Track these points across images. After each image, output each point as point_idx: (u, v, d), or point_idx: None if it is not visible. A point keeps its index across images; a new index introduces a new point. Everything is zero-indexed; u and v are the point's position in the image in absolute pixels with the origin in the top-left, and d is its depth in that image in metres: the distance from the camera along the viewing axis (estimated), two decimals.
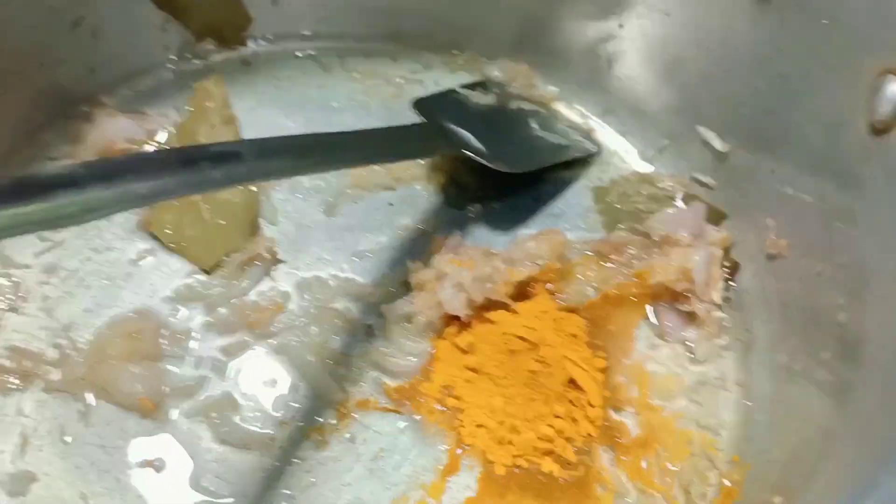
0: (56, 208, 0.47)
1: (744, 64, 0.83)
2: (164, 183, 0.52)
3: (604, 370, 0.78)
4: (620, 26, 0.94)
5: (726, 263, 0.86)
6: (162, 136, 0.86)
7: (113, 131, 0.86)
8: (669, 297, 0.82)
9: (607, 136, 0.99)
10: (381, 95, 0.99)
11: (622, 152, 0.98)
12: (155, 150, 0.83)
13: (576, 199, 0.92)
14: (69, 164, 0.49)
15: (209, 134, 0.86)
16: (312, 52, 1.02)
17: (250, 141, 0.63)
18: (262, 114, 0.95)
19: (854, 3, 0.68)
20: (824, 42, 0.73)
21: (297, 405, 0.73)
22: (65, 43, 0.88)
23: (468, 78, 1.03)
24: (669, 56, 0.92)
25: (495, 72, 1.03)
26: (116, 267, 0.79)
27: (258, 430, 0.71)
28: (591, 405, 0.75)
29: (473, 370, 0.74)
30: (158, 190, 0.52)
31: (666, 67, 0.93)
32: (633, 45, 0.95)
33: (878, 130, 0.66)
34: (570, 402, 0.74)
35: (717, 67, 0.87)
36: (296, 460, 0.70)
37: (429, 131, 0.84)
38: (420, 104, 0.89)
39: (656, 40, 0.92)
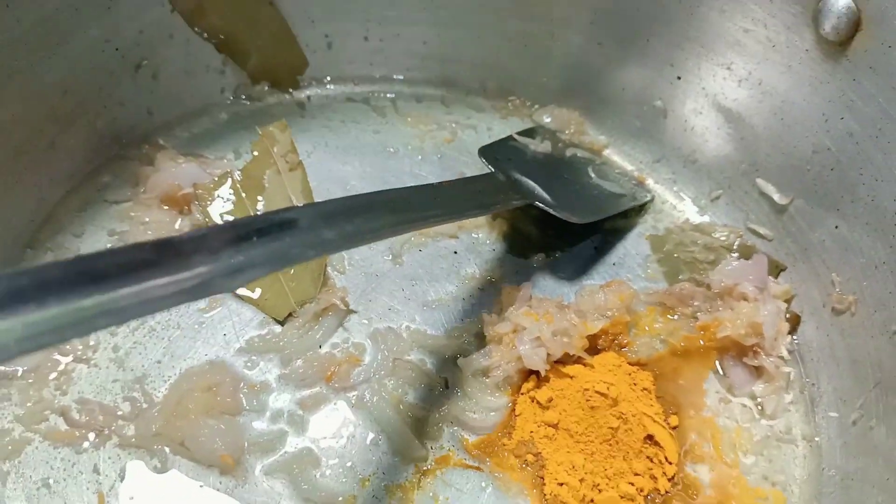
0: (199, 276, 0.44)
1: (808, 120, 0.85)
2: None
3: (677, 426, 0.78)
4: (678, 78, 0.95)
5: (787, 316, 0.86)
6: (227, 181, 0.85)
7: (177, 175, 0.84)
8: (736, 350, 0.82)
9: (658, 184, 1.00)
10: (436, 140, 1.00)
11: (674, 201, 0.98)
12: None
13: (634, 249, 0.93)
14: (199, 229, 0.46)
15: (275, 180, 0.85)
16: (365, 97, 1.02)
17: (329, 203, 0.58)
18: (318, 158, 0.95)
19: None
20: None
21: (377, 461, 0.72)
22: (126, 85, 0.88)
23: (520, 124, 1.03)
24: (728, 109, 0.93)
25: (546, 118, 1.04)
26: (186, 316, 0.78)
27: (340, 487, 0.70)
28: (669, 462, 0.74)
29: (553, 426, 0.74)
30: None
31: (724, 120, 0.94)
32: (690, 97, 0.96)
33: None
34: (649, 458, 0.74)
35: (779, 123, 0.88)
36: None
37: (498, 183, 0.84)
38: (486, 152, 0.89)
39: (716, 93, 0.93)
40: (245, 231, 0.48)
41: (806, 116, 0.85)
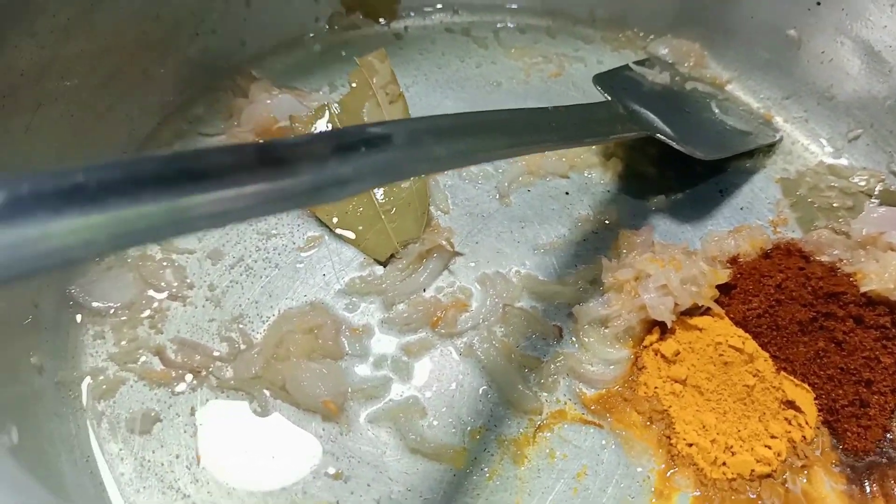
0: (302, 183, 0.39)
1: None
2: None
3: None
4: (818, 3, 0.85)
5: None
6: (324, 114, 0.80)
7: (272, 107, 0.79)
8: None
9: (788, 123, 0.91)
10: (542, 74, 0.92)
11: (807, 141, 0.89)
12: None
13: (763, 192, 0.84)
14: (306, 136, 0.41)
15: (375, 113, 0.79)
16: (465, 27, 0.95)
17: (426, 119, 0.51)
18: (417, 91, 0.89)
19: None
20: None
21: (488, 413, 0.66)
22: (219, 12, 0.83)
23: (632, 57, 0.95)
24: (876, 37, 0.82)
25: (662, 50, 0.95)
26: (284, 255, 0.73)
27: (449, 439, 0.65)
28: (808, 425, 0.67)
29: (680, 382, 0.67)
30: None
31: (870, 50, 0.83)
32: (830, 24, 0.86)
33: None
34: (787, 420, 0.67)
35: None
36: (492, 474, 0.63)
37: (616, 112, 0.76)
38: (601, 80, 0.81)
39: (862, 19, 0.83)
40: (352, 140, 0.42)
41: None
